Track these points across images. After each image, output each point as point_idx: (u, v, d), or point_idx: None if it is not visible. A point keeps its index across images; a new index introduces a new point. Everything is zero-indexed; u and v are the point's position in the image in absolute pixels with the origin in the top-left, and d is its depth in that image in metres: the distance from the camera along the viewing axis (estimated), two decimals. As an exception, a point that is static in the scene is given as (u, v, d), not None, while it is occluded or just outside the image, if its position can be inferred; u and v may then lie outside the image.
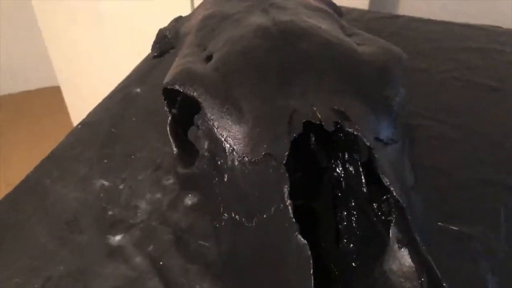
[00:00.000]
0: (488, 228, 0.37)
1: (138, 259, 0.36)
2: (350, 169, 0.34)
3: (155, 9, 0.94)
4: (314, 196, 0.34)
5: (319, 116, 0.29)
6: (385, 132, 0.30)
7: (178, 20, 0.48)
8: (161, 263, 0.36)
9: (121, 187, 0.43)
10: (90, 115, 0.52)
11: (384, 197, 0.32)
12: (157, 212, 0.40)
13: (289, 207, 0.25)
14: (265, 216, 0.27)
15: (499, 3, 1.04)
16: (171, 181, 0.43)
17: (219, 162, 0.31)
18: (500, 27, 0.66)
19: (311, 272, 0.23)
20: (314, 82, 0.31)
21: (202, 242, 0.37)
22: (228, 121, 0.31)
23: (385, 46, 0.36)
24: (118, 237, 0.38)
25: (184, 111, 0.38)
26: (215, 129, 0.31)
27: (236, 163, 0.30)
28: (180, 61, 0.36)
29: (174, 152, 0.39)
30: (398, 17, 0.70)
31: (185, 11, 0.73)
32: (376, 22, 0.69)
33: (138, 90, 0.55)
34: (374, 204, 0.33)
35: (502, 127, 0.48)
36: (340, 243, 0.33)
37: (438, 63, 0.58)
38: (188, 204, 0.40)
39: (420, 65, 0.58)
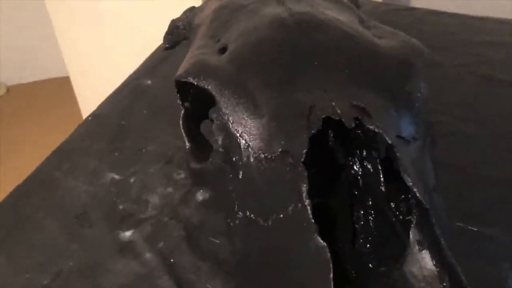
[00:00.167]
0: (509, 228, 0.36)
1: (148, 256, 0.36)
2: (368, 167, 0.33)
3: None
4: (330, 194, 0.33)
5: (339, 111, 0.28)
6: (407, 129, 0.29)
7: (191, 11, 0.47)
8: (172, 260, 0.35)
9: (131, 180, 0.42)
10: (100, 107, 0.52)
11: (403, 196, 0.31)
12: (168, 207, 0.39)
13: (308, 207, 0.24)
14: (281, 215, 0.26)
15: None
16: (182, 175, 0.42)
17: (234, 158, 0.30)
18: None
19: (331, 276, 0.22)
20: (332, 75, 0.30)
21: (213, 239, 0.36)
22: (244, 115, 0.30)
23: (405, 40, 0.34)
24: (128, 233, 0.37)
25: (197, 104, 0.37)
26: (230, 124, 0.30)
27: (252, 160, 0.29)
28: (194, 53, 0.35)
29: (187, 147, 0.38)
30: (413, 9, 0.69)
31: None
32: (390, 14, 0.67)
33: (149, 82, 0.55)
34: (392, 204, 0.31)
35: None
36: (356, 243, 0.32)
37: (453, 57, 0.57)
38: (200, 199, 0.40)
39: (435, 59, 0.56)
